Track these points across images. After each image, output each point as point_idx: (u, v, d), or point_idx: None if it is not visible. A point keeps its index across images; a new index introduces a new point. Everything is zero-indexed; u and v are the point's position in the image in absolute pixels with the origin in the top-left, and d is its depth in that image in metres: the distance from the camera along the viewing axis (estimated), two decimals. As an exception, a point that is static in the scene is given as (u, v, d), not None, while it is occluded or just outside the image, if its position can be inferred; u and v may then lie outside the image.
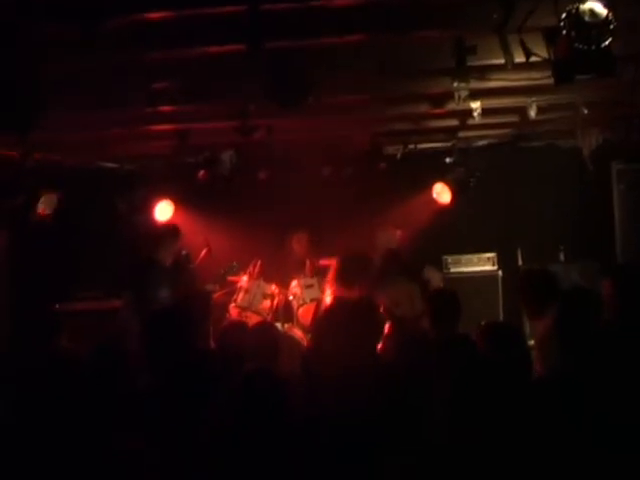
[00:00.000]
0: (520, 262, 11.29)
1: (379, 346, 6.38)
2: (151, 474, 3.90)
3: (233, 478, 3.80)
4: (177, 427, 4.38)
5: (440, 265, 11.29)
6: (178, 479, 3.92)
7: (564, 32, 4.73)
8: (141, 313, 8.66)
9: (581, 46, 4.66)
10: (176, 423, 4.41)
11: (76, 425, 4.09)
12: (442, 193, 11.09)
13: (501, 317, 10.61)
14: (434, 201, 11.12)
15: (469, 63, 6.41)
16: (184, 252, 10.19)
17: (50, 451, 3.93)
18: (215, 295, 10.61)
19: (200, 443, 4.14)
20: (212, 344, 9.76)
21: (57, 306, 10.41)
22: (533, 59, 5.58)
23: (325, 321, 6.27)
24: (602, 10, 4.62)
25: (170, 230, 9.83)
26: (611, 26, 4.63)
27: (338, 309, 6.57)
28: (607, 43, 4.67)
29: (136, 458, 3.92)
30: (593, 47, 4.65)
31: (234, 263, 10.41)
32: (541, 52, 5.37)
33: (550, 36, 5.05)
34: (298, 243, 11.30)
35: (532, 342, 7.76)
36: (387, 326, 6.90)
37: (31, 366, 5.82)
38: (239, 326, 6.88)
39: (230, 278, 10.65)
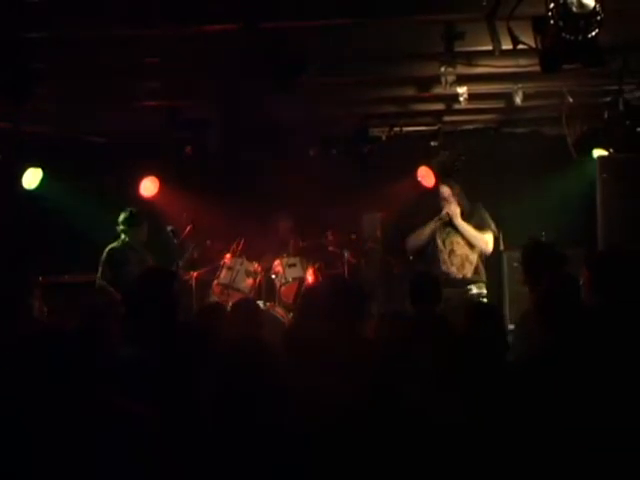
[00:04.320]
0: (502, 247, 11.38)
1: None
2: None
3: (221, 446, 3.85)
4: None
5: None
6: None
7: (552, 22, 4.78)
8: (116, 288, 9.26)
9: (568, 36, 4.71)
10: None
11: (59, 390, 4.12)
12: (426, 176, 11.12)
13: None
14: (418, 184, 11.15)
15: (457, 48, 6.47)
16: (170, 228, 10.25)
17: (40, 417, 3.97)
18: (197, 273, 10.67)
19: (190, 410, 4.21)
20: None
21: (40, 278, 10.44)
22: (520, 47, 5.64)
23: (308, 299, 6.33)
24: (590, 1, 4.68)
25: (134, 216, 9.91)
26: (598, 17, 4.68)
27: (321, 288, 6.64)
28: (594, 34, 4.73)
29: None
30: (580, 37, 4.70)
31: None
32: (529, 40, 5.42)
33: (538, 25, 5.08)
34: (283, 227, 11.37)
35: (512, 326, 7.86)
36: None
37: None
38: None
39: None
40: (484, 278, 9.19)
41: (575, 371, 4.48)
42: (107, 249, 9.76)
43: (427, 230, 9.09)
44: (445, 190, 9.14)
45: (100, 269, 9.71)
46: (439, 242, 9.10)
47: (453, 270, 8.99)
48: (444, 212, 9.03)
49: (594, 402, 4.22)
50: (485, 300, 8.94)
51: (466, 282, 9.01)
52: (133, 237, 9.74)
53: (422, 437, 3.95)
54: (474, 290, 9.00)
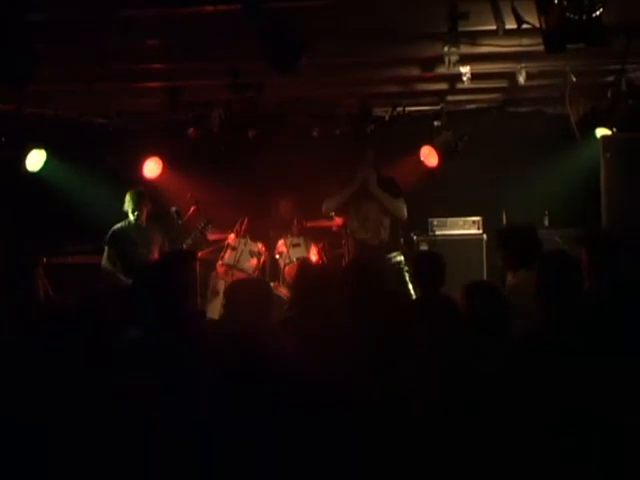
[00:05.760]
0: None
1: None
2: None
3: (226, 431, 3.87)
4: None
5: (426, 227, 11.37)
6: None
7: (556, 1, 4.78)
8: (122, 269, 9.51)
9: (572, 15, 4.71)
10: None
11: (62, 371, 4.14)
12: (429, 156, 11.10)
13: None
14: (421, 164, 11.14)
15: (461, 28, 6.46)
16: (174, 208, 10.27)
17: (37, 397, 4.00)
18: (201, 253, 10.69)
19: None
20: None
21: (45, 259, 10.47)
22: (524, 26, 5.63)
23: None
24: (594, -19, 4.68)
25: (138, 192, 9.94)
26: (603, -4, 4.69)
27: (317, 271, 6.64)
28: (598, 13, 4.72)
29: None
30: (584, 17, 4.70)
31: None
32: (532, 20, 5.42)
33: (542, 4, 5.09)
34: (284, 206, 11.40)
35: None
36: None
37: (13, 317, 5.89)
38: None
39: (209, 235, 10.73)
40: (400, 245, 9.59)
41: (574, 353, 4.49)
42: (111, 230, 9.79)
43: (344, 194, 9.43)
44: (370, 155, 9.49)
45: (105, 250, 9.73)
46: (352, 212, 9.44)
47: (367, 237, 9.29)
48: (360, 176, 9.29)
49: (593, 384, 4.23)
50: (405, 268, 9.21)
51: (385, 248, 9.35)
52: (140, 216, 9.76)
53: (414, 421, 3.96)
54: (395, 259, 9.37)
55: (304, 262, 9.71)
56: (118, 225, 9.85)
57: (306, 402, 3.95)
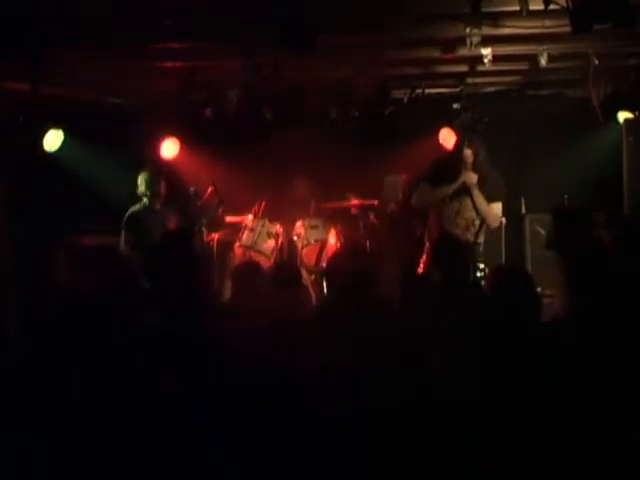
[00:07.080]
0: (524, 210, 11.30)
1: None
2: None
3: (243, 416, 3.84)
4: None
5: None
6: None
7: (584, -19, 4.72)
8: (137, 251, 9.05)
9: (600, -5, 4.65)
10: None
11: (81, 359, 4.11)
12: (448, 138, 11.04)
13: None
14: (440, 146, 11.07)
15: (484, 9, 6.39)
16: (192, 189, 10.14)
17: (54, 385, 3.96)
18: (219, 234, 10.65)
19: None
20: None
21: (60, 240, 10.45)
22: (551, 7, 5.55)
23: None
24: (623, -40, 4.60)
25: (151, 173, 9.75)
26: (631, -24, 4.61)
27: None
28: (627, -7, 4.66)
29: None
30: (612, -3, 4.64)
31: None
32: (560, 0, 5.34)
33: (569, -15, 5.03)
34: (299, 185, 11.35)
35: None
36: None
37: (33, 300, 5.86)
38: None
39: (223, 216, 10.67)
40: (481, 249, 8.73)
41: (599, 337, 4.44)
42: (128, 214, 9.56)
43: (441, 193, 8.60)
44: (468, 155, 8.57)
45: (122, 235, 9.50)
46: (448, 202, 8.62)
47: (457, 231, 8.47)
48: (461, 180, 8.52)
49: (618, 369, 4.18)
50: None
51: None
52: (154, 198, 9.63)
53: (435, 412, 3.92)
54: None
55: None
56: (134, 209, 9.58)
57: (329, 400, 3.92)
